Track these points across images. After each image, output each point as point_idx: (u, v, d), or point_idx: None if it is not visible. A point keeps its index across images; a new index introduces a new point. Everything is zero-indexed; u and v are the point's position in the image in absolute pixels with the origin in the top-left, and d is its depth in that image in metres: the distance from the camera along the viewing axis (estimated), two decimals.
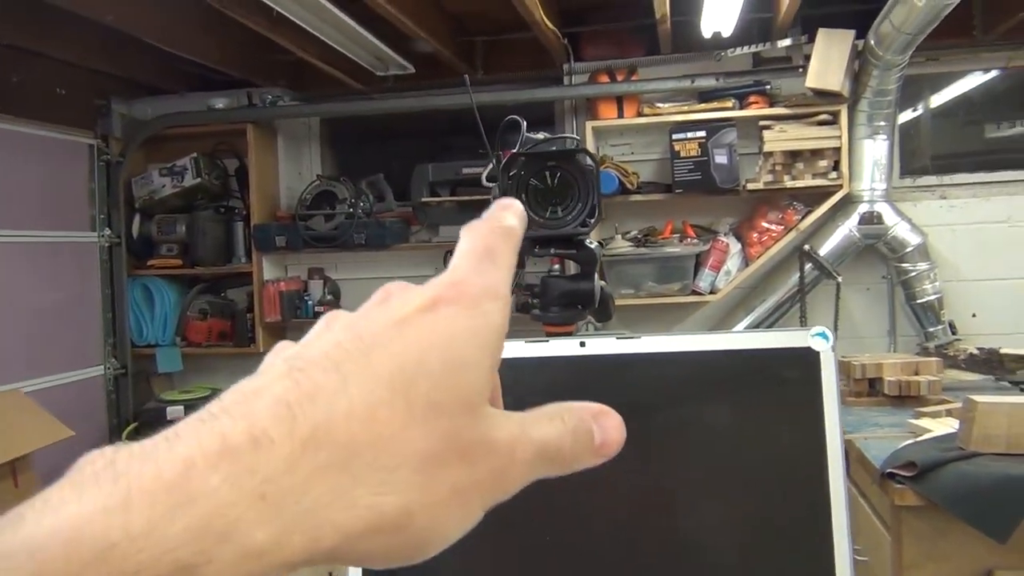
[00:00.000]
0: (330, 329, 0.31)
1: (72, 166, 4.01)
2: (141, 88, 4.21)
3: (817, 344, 0.75)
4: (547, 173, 0.99)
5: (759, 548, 0.76)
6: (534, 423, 0.31)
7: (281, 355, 0.31)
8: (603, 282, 1.10)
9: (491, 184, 1.31)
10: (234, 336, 4.23)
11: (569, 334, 1.03)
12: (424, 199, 3.99)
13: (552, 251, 1.02)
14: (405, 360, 0.28)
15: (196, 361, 4.37)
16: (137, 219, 4.26)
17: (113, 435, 4.09)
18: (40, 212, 3.76)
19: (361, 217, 3.98)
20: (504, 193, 0.98)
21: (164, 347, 4.23)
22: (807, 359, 0.75)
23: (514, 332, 0.89)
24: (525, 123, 1.09)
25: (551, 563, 0.77)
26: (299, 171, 4.43)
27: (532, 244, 1.02)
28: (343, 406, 0.26)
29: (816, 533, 0.73)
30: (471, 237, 0.35)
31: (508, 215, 0.36)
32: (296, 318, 4.14)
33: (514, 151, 1.00)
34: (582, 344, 0.79)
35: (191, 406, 4.01)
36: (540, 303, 1.05)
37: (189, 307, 4.25)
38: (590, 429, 0.33)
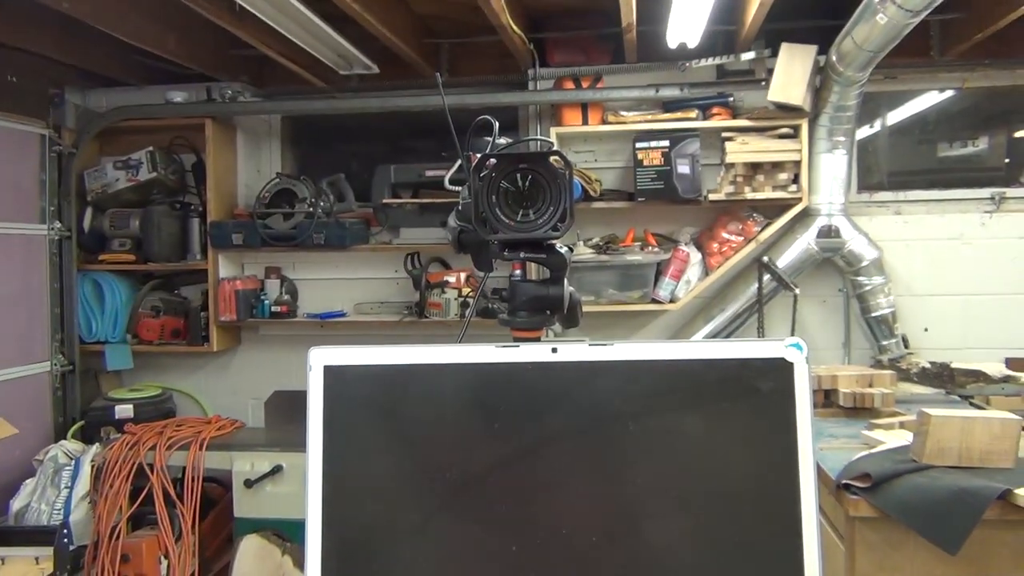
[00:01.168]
0: None
1: (22, 156, 3.89)
2: (97, 78, 4.11)
3: (791, 355, 0.74)
4: (518, 175, 0.97)
5: (729, 558, 0.75)
6: None
7: None
8: (572, 288, 1.09)
9: (453, 187, 1.29)
10: (187, 334, 4.14)
11: (537, 339, 1.02)
12: (385, 200, 3.95)
13: (522, 255, 1.00)
14: None
15: (147, 359, 4.27)
16: (89, 212, 4.16)
17: (59, 434, 3.97)
18: None
19: (321, 217, 3.93)
20: (474, 194, 0.96)
21: (114, 344, 4.13)
22: (781, 369, 0.75)
23: (482, 336, 0.87)
24: (497, 124, 1.07)
25: (518, 570, 0.75)
26: (258, 168, 4.36)
27: (502, 247, 1.00)
28: None
29: (787, 543, 0.73)
30: None
31: None
32: (252, 317, 4.07)
33: (486, 152, 0.99)
34: (554, 350, 0.78)
35: (140, 405, 3.93)
36: (508, 307, 1.03)
37: (141, 303, 4.15)
38: None
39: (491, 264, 1.11)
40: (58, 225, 4.04)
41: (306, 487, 0.79)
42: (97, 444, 3.66)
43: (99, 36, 3.29)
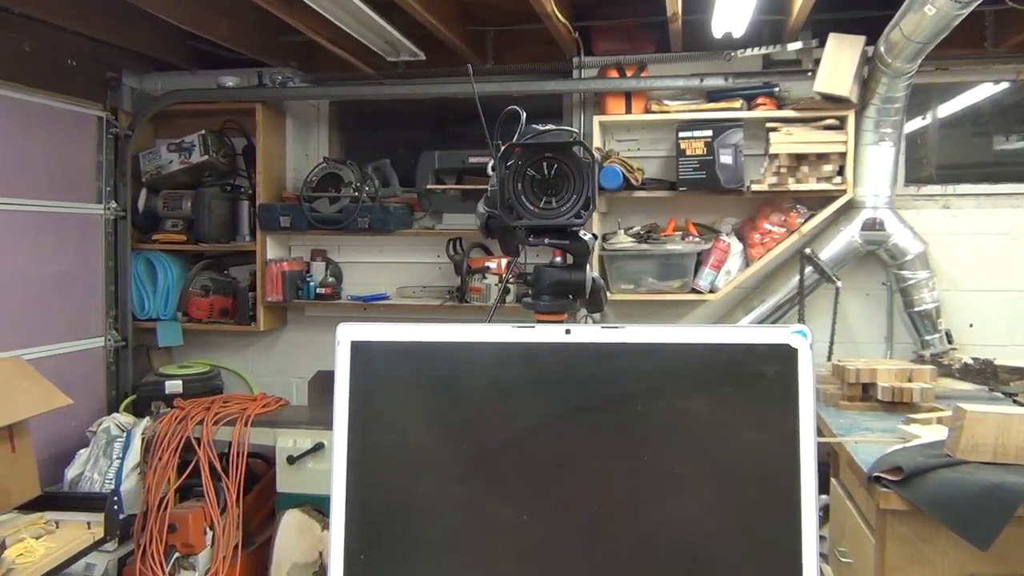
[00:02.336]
0: None
1: (80, 138, 4.03)
2: (152, 63, 4.23)
3: (795, 341, 0.77)
4: (544, 164, 1.01)
5: (729, 534, 0.78)
6: None
7: None
8: (595, 273, 1.12)
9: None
10: (235, 314, 4.26)
11: (560, 322, 1.05)
12: (429, 186, 4.00)
13: (546, 241, 1.04)
14: None
15: (196, 337, 4.40)
16: (143, 193, 4.29)
17: (111, 407, 4.12)
18: (47, 182, 3.78)
19: (366, 201, 4.00)
20: (501, 181, 1.00)
21: (165, 321, 4.26)
22: (785, 355, 0.77)
23: (519, 320, 0.91)
24: (524, 114, 1.10)
25: (528, 541, 0.79)
26: (306, 153, 4.45)
27: (527, 233, 1.04)
28: None
29: (786, 524, 0.75)
30: None
31: None
32: (297, 299, 4.17)
33: (511, 141, 1.02)
34: (567, 331, 0.81)
35: (189, 381, 4.05)
36: (532, 291, 1.07)
37: (192, 283, 4.28)
38: None
39: (517, 249, 1.15)
40: (114, 205, 4.17)
41: (332, 455, 0.83)
42: (148, 418, 3.78)
43: (154, 21, 3.39)
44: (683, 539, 0.79)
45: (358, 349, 0.84)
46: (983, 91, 3.92)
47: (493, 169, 1.40)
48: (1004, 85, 3.88)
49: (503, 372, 0.82)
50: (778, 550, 0.76)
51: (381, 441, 0.83)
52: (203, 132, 4.18)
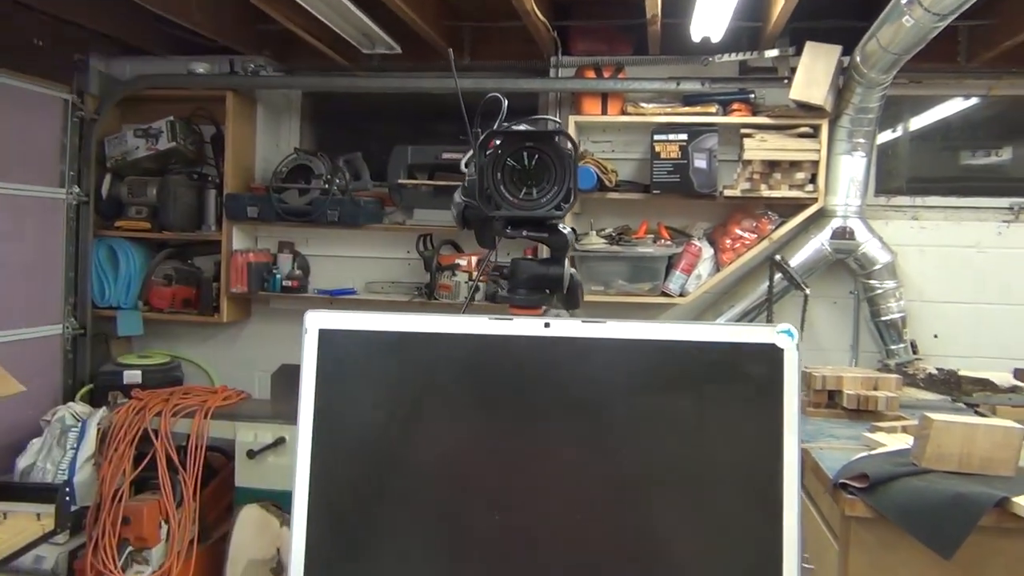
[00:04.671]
0: None
1: (45, 120, 3.92)
2: (121, 46, 4.14)
3: (782, 341, 0.75)
4: (525, 153, 0.98)
5: (710, 534, 0.76)
6: None
7: None
8: (573, 269, 1.09)
9: (468, 171, 1.29)
10: (198, 304, 4.17)
11: (535, 316, 1.02)
12: (401, 181, 3.96)
13: (524, 233, 1.01)
14: None
15: (157, 327, 4.31)
16: (108, 179, 4.19)
17: (67, 396, 4.01)
18: (8, 164, 3.68)
19: (336, 194, 3.95)
20: (480, 170, 0.97)
21: (126, 310, 4.17)
22: (771, 355, 0.75)
23: (482, 310, 0.87)
24: (507, 101, 1.07)
25: (500, 541, 0.76)
26: (276, 143, 4.38)
27: (504, 224, 1.01)
28: None
29: (767, 524, 0.73)
30: None
31: None
32: (263, 291, 4.10)
33: (492, 129, 0.99)
34: (547, 325, 0.78)
35: (149, 371, 3.97)
36: (508, 285, 1.04)
37: (154, 271, 4.19)
38: None
39: (494, 241, 1.12)
40: (76, 190, 4.07)
41: (296, 448, 0.80)
42: (104, 408, 3.70)
43: (124, 3, 3.31)
44: (663, 538, 0.76)
45: (327, 338, 0.80)
46: (954, 105, 3.96)
47: (466, 165, 1.37)
48: (974, 100, 3.93)
49: (478, 365, 0.79)
50: (759, 550, 0.74)
51: (348, 435, 0.79)
52: (171, 119, 4.09)
